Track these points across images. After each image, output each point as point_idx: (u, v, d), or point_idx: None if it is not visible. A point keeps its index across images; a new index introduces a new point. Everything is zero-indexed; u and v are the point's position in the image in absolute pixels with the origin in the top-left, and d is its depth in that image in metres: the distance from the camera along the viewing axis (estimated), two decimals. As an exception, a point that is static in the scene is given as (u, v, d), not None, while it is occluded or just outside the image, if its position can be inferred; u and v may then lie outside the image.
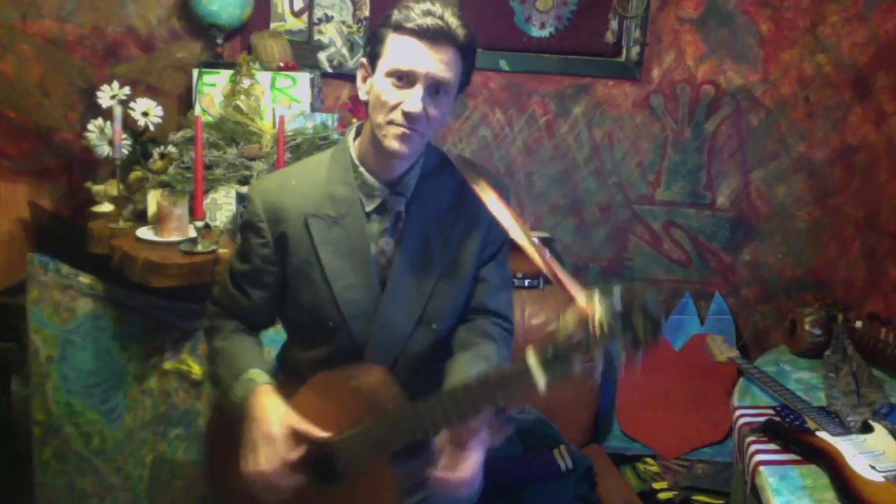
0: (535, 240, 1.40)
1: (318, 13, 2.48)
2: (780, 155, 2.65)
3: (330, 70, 2.46)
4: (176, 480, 2.20)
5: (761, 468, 1.67)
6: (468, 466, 1.28)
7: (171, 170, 2.06)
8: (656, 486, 2.45)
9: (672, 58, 2.58)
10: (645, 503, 2.34)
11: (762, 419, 1.84)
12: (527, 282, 2.30)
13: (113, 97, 2.14)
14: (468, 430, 1.28)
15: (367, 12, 2.48)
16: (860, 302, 2.66)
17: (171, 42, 2.46)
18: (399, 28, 1.28)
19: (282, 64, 2.31)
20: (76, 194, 2.46)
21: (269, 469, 1.31)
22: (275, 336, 1.64)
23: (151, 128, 2.18)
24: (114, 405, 2.16)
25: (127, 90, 2.16)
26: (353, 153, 1.41)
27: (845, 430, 1.73)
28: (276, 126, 2.09)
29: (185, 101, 2.41)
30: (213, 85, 2.24)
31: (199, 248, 1.93)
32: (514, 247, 1.43)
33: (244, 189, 2.03)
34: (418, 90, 1.28)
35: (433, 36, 1.27)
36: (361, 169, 1.39)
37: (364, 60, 1.36)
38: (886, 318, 2.24)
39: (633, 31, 2.54)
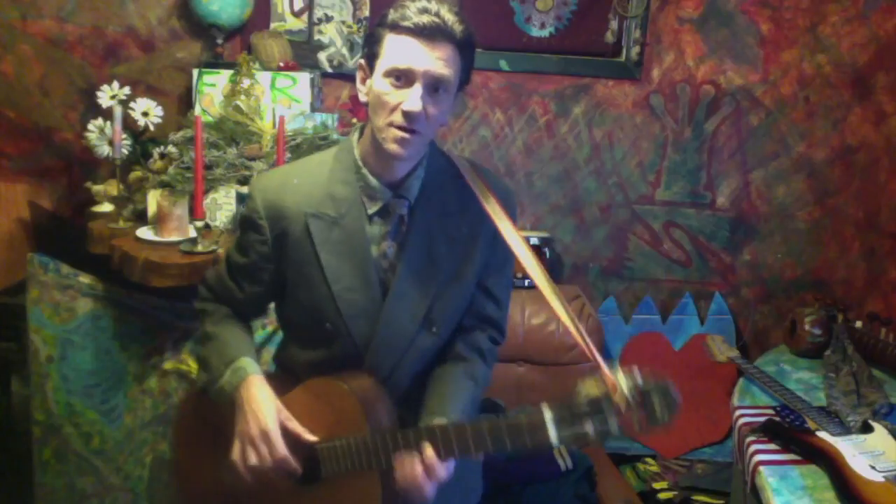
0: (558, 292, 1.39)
1: (318, 13, 2.48)
2: (780, 155, 2.65)
3: (330, 70, 2.46)
4: (176, 480, 2.20)
5: (761, 468, 1.67)
6: (428, 487, 1.28)
7: (171, 170, 2.06)
8: (656, 486, 2.45)
9: (672, 58, 2.58)
10: (645, 503, 2.34)
11: (762, 419, 1.84)
12: (527, 282, 2.30)
13: (113, 97, 2.14)
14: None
15: (366, 12, 2.48)
16: (860, 302, 2.66)
17: (171, 42, 2.46)
18: (395, 27, 1.28)
19: (282, 64, 2.31)
20: (76, 194, 2.46)
21: (264, 464, 1.31)
22: (277, 338, 1.64)
23: (151, 128, 2.18)
24: (114, 405, 2.16)
25: (127, 90, 2.16)
26: (357, 153, 1.40)
27: (845, 430, 1.73)
28: (276, 126, 2.08)
29: (185, 101, 2.41)
30: (213, 85, 2.24)
31: (199, 248, 1.93)
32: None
33: (244, 189, 2.03)
34: (417, 89, 1.27)
35: (430, 33, 1.26)
36: (364, 171, 1.38)
37: (362, 62, 1.36)
38: (886, 318, 2.24)
39: (633, 31, 2.54)
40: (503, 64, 2.55)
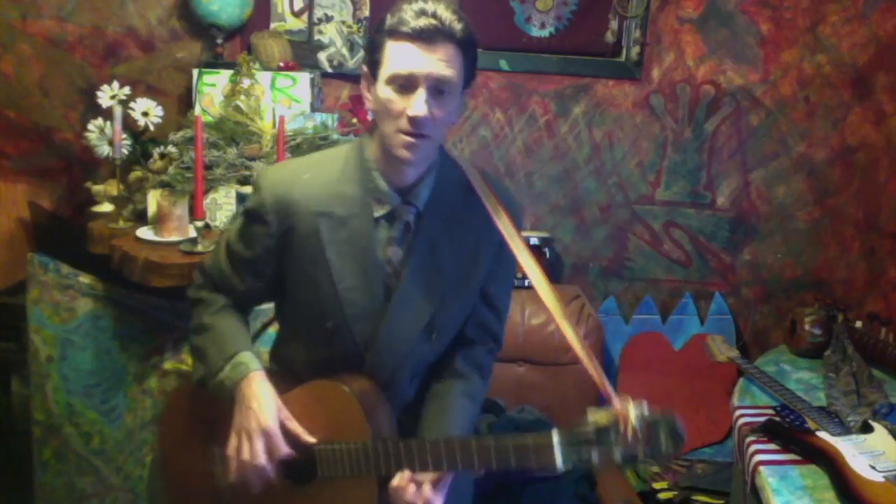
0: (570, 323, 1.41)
1: (318, 13, 2.48)
2: (780, 155, 2.65)
3: (330, 70, 2.46)
4: (176, 480, 2.20)
5: (761, 468, 1.67)
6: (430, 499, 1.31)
7: (171, 170, 2.06)
8: (656, 486, 2.45)
9: (672, 58, 2.58)
10: (645, 503, 2.34)
11: (762, 419, 1.84)
12: (527, 282, 2.29)
13: (113, 97, 2.14)
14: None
15: (367, 12, 2.48)
16: (860, 302, 2.66)
17: (171, 42, 2.46)
18: (394, 34, 1.27)
19: (282, 64, 2.31)
20: (76, 194, 2.46)
21: (263, 462, 1.31)
22: (267, 336, 1.64)
23: (151, 128, 2.18)
24: (114, 405, 2.16)
25: (127, 90, 2.16)
26: (368, 154, 1.39)
27: (845, 430, 1.73)
28: (276, 126, 2.08)
29: (185, 101, 2.41)
30: (213, 85, 2.24)
31: (199, 248, 1.93)
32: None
33: (244, 189, 2.03)
34: (421, 94, 1.26)
35: (429, 36, 1.25)
36: (375, 173, 1.37)
37: (365, 69, 1.35)
38: (886, 318, 2.24)
39: (633, 31, 2.54)
40: (503, 64, 2.55)
